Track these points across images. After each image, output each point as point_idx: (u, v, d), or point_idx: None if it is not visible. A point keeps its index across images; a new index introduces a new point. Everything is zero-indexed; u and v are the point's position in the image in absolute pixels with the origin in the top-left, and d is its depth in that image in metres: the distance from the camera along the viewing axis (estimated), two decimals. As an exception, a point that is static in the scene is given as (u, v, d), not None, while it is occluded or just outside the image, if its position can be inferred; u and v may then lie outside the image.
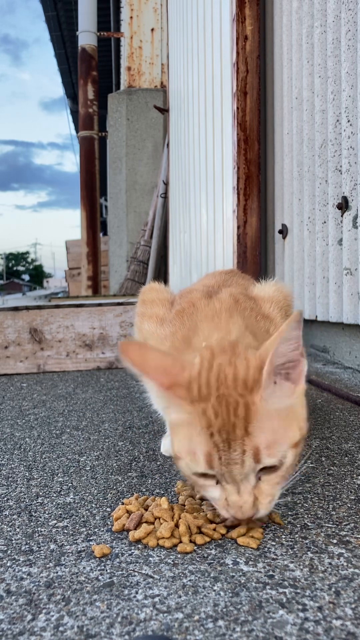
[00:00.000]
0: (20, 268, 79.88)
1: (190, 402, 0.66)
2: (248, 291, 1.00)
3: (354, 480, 0.89)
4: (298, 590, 0.58)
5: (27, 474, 0.97)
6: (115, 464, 1.01)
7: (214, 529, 0.71)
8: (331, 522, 0.74)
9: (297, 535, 0.70)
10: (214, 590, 0.59)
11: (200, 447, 0.65)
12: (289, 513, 0.77)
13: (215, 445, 0.64)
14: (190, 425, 0.66)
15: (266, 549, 0.67)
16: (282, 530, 0.72)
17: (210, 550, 0.68)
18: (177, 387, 0.66)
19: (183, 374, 0.67)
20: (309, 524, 0.74)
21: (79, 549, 0.69)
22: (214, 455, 0.64)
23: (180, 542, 0.69)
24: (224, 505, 0.67)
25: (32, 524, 0.77)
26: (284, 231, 2.35)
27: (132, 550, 0.68)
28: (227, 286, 1.01)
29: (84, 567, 0.64)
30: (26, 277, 76.75)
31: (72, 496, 0.86)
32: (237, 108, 2.38)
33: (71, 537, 0.72)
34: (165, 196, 4.76)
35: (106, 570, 0.64)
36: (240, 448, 0.63)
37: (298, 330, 0.67)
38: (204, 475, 0.67)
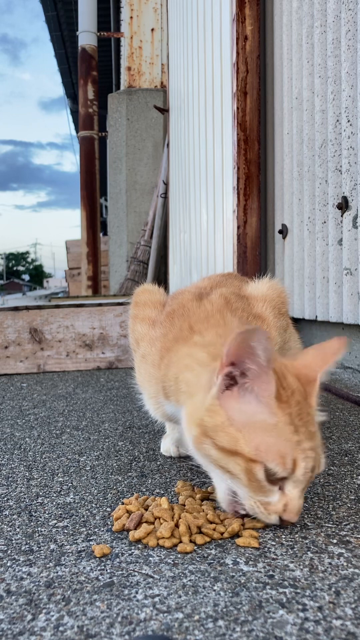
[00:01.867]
0: (21, 268, 79.89)
1: (279, 404, 0.68)
2: (241, 291, 1.00)
3: (354, 480, 0.89)
4: (298, 590, 0.58)
5: (27, 474, 0.97)
6: (115, 464, 1.01)
7: (214, 529, 0.71)
8: (331, 522, 0.74)
9: (297, 535, 0.70)
10: (214, 590, 0.59)
11: (290, 452, 0.67)
12: (289, 513, 0.77)
13: (304, 452, 0.67)
14: (275, 427, 0.67)
15: (266, 549, 0.67)
16: (282, 530, 0.72)
17: (210, 550, 0.68)
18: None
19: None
20: (309, 524, 0.74)
21: (79, 549, 0.69)
22: (300, 461, 0.67)
23: (180, 542, 0.69)
24: (278, 510, 0.69)
25: (32, 524, 0.77)
26: (284, 231, 2.35)
27: (132, 550, 0.68)
28: (219, 287, 1.01)
29: (84, 567, 0.64)
30: (26, 277, 76.75)
31: (72, 496, 0.86)
32: (237, 108, 2.38)
33: (71, 537, 0.72)
34: (165, 196, 4.75)
35: (106, 570, 0.64)
36: (318, 457, 0.69)
37: (339, 357, 0.74)
38: (273, 481, 0.68)
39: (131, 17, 5.59)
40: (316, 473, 0.70)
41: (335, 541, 0.69)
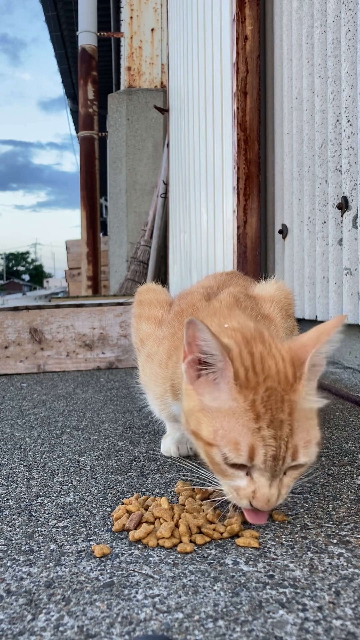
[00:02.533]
0: (21, 268, 79.87)
1: (240, 388, 0.66)
2: (249, 291, 1.00)
3: (354, 480, 0.89)
4: (298, 590, 0.58)
5: (27, 474, 0.97)
6: (115, 464, 1.01)
7: (214, 529, 0.71)
8: (331, 522, 0.74)
9: (297, 535, 0.70)
10: (214, 590, 0.59)
11: (246, 439, 0.65)
12: (289, 513, 0.77)
13: (262, 439, 0.64)
14: (234, 413, 0.66)
15: (266, 549, 0.67)
16: (282, 530, 0.72)
17: (210, 550, 0.68)
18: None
19: (229, 356, 0.67)
20: (309, 524, 0.74)
21: (79, 549, 0.69)
22: (258, 449, 0.64)
23: (180, 542, 0.69)
24: (247, 495, 0.67)
25: (32, 524, 0.77)
26: (284, 231, 2.35)
27: (132, 550, 0.68)
28: (226, 287, 1.01)
29: (84, 567, 0.64)
30: (26, 277, 76.74)
31: (72, 496, 0.86)
32: (237, 108, 2.38)
33: (71, 537, 0.72)
34: (165, 196, 4.75)
35: (106, 570, 0.64)
36: (284, 445, 0.65)
37: (340, 333, 0.70)
38: (235, 466, 0.67)
39: (131, 17, 5.59)
40: (289, 464, 0.66)
41: (335, 541, 0.69)
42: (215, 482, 0.74)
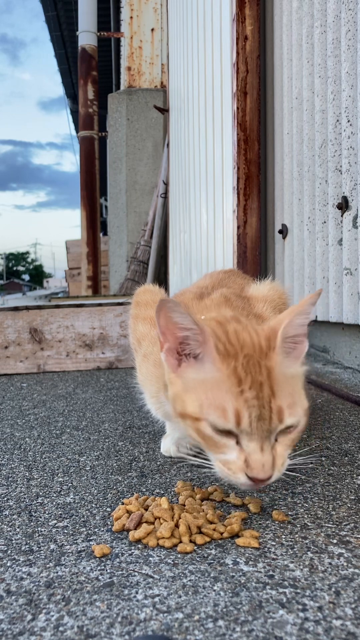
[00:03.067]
0: (20, 268, 79.87)
1: (222, 357, 0.69)
2: (244, 291, 1.01)
3: (354, 480, 0.89)
4: (298, 590, 0.58)
5: (27, 474, 0.97)
6: (115, 464, 1.01)
7: (214, 529, 0.71)
8: (331, 522, 0.74)
9: (297, 535, 0.70)
10: (214, 590, 0.59)
11: (230, 403, 0.66)
12: (289, 513, 0.77)
13: (245, 401, 0.66)
14: (218, 382, 0.68)
15: (266, 549, 0.67)
16: (282, 530, 0.72)
17: (210, 550, 0.68)
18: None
19: (204, 333, 0.70)
20: (309, 524, 0.74)
21: (79, 549, 0.69)
22: (243, 411, 0.66)
23: (180, 542, 0.69)
24: (241, 467, 0.67)
25: (32, 524, 0.77)
26: (284, 231, 2.35)
27: (132, 550, 0.68)
28: (223, 286, 1.02)
29: (84, 567, 0.64)
30: (26, 277, 76.74)
31: (72, 496, 0.86)
32: (237, 108, 2.38)
33: (71, 537, 0.72)
34: (165, 196, 4.75)
35: (106, 570, 0.64)
36: (267, 405, 0.67)
37: (313, 306, 0.72)
38: (225, 434, 0.68)
39: (131, 17, 5.59)
40: (277, 426, 0.67)
41: (335, 541, 0.69)
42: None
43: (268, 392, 0.67)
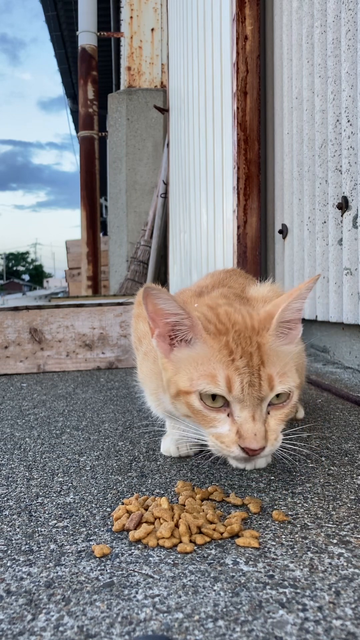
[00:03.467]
0: (20, 268, 79.85)
1: (213, 337, 0.72)
2: (245, 291, 1.02)
3: (354, 480, 0.89)
4: (298, 590, 0.58)
5: (27, 474, 0.97)
6: (115, 464, 1.01)
7: (214, 529, 0.71)
8: (331, 522, 0.74)
9: (297, 535, 0.70)
10: (214, 590, 0.59)
11: (222, 371, 0.69)
12: (289, 513, 0.77)
13: (237, 369, 0.69)
14: (208, 356, 0.71)
15: (266, 549, 0.67)
16: (282, 530, 0.72)
17: (210, 550, 0.68)
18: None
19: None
20: (309, 524, 0.74)
21: (79, 549, 0.69)
22: (235, 378, 0.68)
23: (180, 542, 0.69)
24: (233, 439, 0.69)
25: (32, 524, 0.77)
26: (284, 231, 2.35)
27: (132, 550, 0.68)
28: (224, 286, 1.03)
29: (84, 567, 0.64)
30: (26, 277, 76.73)
31: (72, 496, 0.86)
32: (237, 108, 2.38)
33: (71, 537, 0.72)
34: (165, 196, 4.75)
35: (106, 570, 0.64)
36: (257, 373, 0.69)
37: (309, 291, 0.76)
38: (215, 407, 0.70)
39: (131, 17, 5.59)
40: (271, 393, 0.70)
41: (335, 541, 0.69)
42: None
43: (258, 362, 0.70)
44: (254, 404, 0.68)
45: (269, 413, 0.71)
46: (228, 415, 0.70)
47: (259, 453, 0.69)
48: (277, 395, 0.73)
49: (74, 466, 1.01)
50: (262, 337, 0.72)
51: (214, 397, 0.72)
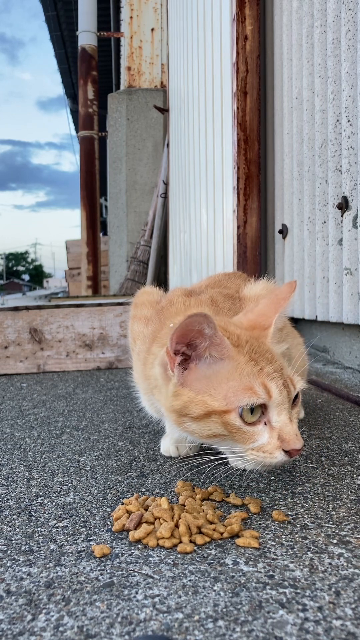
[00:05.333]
0: (20, 268, 79.84)
1: (235, 348, 0.74)
2: (239, 292, 1.03)
3: (354, 480, 0.89)
4: (298, 590, 0.58)
5: (27, 474, 0.97)
6: (115, 464, 1.01)
7: (214, 529, 0.71)
8: (331, 522, 0.74)
9: (297, 535, 0.70)
10: (214, 591, 0.59)
11: (257, 380, 0.71)
12: (289, 513, 0.77)
13: (269, 375, 0.71)
14: (236, 370, 0.72)
15: (266, 549, 0.67)
16: (282, 530, 0.72)
17: (210, 550, 0.68)
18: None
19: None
20: (309, 524, 0.74)
21: (79, 549, 0.69)
22: (270, 384, 0.71)
23: (180, 542, 0.69)
24: (276, 445, 0.71)
25: (32, 524, 0.77)
26: (284, 231, 2.35)
27: (132, 550, 0.68)
28: (219, 287, 1.04)
29: (84, 567, 0.64)
30: (26, 277, 76.71)
31: (72, 496, 0.86)
32: (237, 108, 2.38)
33: (71, 537, 0.72)
34: (165, 196, 4.75)
35: (106, 570, 0.63)
36: (284, 375, 0.73)
37: (291, 300, 0.81)
38: (253, 421, 0.71)
39: (131, 17, 5.59)
40: (295, 392, 0.73)
41: (335, 541, 0.69)
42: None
43: (278, 365, 0.73)
44: (289, 406, 0.72)
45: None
46: (265, 424, 0.72)
47: (301, 451, 0.72)
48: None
49: (74, 466, 1.01)
50: (266, 341, 0.77)
51: (251, 410, 0.72)
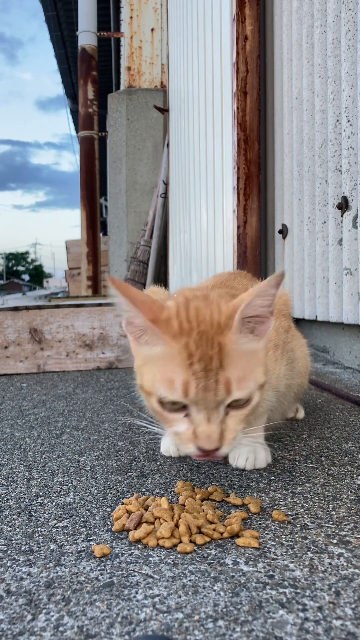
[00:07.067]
0: (20, 268, 79.84)
1: (172, 336, 0.71)
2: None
3: (354, 480, 0.89)
4: (298, 590, 0.58)
5: (27, 474, 0.97)
6: (115, 464, 1.01)
7: (214, 529, 0.71)
8: (331, 522, 0.74)
9: (297, 535, 0.70)
10: (214, 590, 0.59)
11: (179, 375, 0.69)
12: (289, 513, 0.77)
13: (194, 373, 0.68)
14: (169, 357, 0.71)
15: (266, 549, 0.67)
16: (282, 530, 0.72)
17: (210, 550, 0.68)
18: (159, 322, 0.71)
19: (163, 312, 0.72)
20: (309, 524, 0.74)
21: (79, 549, 0.69)
22: (191, 382, 0.68)
23: (180, 542, 0.69)
24: (190, 438, 0.70)
25: (32, 524, 0.77)
26: (284, 231, 2.35)
27: (132, 550, 0.68)
28: (226, 286, 1.03)
29: (84, 567, 0.64)
30: (26, 277, 76.70)
31: (72, 496, 0.86)
32: (237, 108, 2.38)
33: (71, 537, 0.72)
34: (165, 196, 4.75)
35: (106, 570, 0.63)
36: (214, 377, 0.69)
37: (275, 289, 0.73)
38: (174, 408, 0.71)
39: (131, 17, 5.59)
40: (223, 397, 0.69)
41: (335, 541, 0.69)
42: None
43: (217, 365, 0.69)
44: (209, 407, 0.69)
45: (227, 413, 0.71)
46: (186, 415, 0.70)
47: (215, 453, 0.70)
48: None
49: (74, 466, 1.01)
50: (225, 337, 0.71)
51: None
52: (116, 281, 0.71)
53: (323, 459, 1.00)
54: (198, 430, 0.69)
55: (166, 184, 4.70)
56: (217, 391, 0.68)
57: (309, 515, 0.76)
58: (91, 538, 0.72)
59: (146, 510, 0.77)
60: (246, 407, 0.72)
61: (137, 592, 0.59)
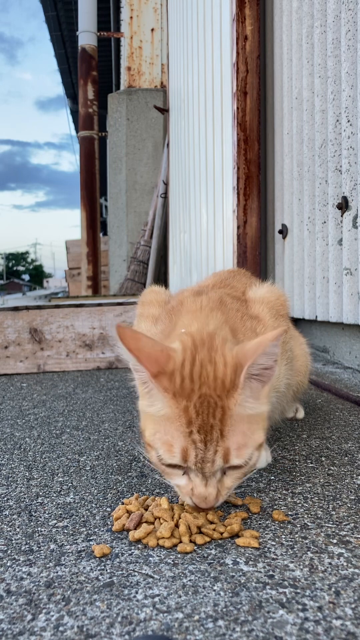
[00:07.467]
0: (20, 268, 79.86)
1: (173, 396, 0.69)
2: (245, 292, 1.03)
3: (354, 480, 0.89)
4: (298, 590, 0.58)
5: (27, 474, 0.97)
6: (115, 464, 1.01)
7: (214, 529, 0.71)
8: (331, 522, 0.74)
9: (297, 535, 0.70)
10: (214, 590, 0.59)
11: (178, 442, 0.68)
12: (289, 513, 0.77)
13: (193, 442, 0.68)
14: (170, 419, 0.69)
15: (266, 549, 0.67)
16: (282, 530, 0.72)
17: (210, 550, 0.68)
18: (162, 376, 0.69)
19: (168, 364, 0.70)
20: (309, 524, 0.74)
21: (79, 549, 0.69)
22: (190, 451, 0.68)
23: (180, 542, 0.69)
24: (188, 493, 0.71)
25: (32, 524, 0.77)
26: (284, 231, 2.35)
27: (132, 550, 0.68)
28: (225, 286, 1.03)
29: (84, 567, 0.64)
30: (26, 277, 76.72)
31: (72, 496, 0.86)
32: (237, 108, 2.38)
33: (71, 537, 0.72)
34: (165, 196, 4.75)
35: (106, 570, 0.64)
36: (213, 448, 0.68)
37: (278, 348, 0.71)
38: (173, 466, 0.71)
39: (131, 17, 5.59)
40: (220, 466, 0.68)
41: (335, 541, 0.69)
42: None
43: (217, 435, 0.68)
44: (205, 475, 0.69)
45: (225, 472, 0.71)
46: (184, 473, 0.71)
47: (210, 509, 0.72)
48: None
49: (74, 466, 1.01)
50: (230, 400, 0.69)
51: None
52: (121, 331, 0.69)
53: (323, 459, 1.00)
54: (195, 491, 0.69)
55: (166, 184, 4.70)
56: (214, 462, 0.68)
57: (309, 515, 0.76)
58: (91, 538, 0.72)
59: (146, 510, 0.77)
60: (243, 468, 0.71)
61: (137, 592, 0.59)
